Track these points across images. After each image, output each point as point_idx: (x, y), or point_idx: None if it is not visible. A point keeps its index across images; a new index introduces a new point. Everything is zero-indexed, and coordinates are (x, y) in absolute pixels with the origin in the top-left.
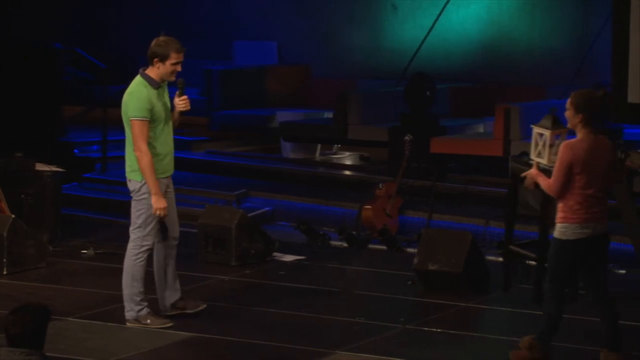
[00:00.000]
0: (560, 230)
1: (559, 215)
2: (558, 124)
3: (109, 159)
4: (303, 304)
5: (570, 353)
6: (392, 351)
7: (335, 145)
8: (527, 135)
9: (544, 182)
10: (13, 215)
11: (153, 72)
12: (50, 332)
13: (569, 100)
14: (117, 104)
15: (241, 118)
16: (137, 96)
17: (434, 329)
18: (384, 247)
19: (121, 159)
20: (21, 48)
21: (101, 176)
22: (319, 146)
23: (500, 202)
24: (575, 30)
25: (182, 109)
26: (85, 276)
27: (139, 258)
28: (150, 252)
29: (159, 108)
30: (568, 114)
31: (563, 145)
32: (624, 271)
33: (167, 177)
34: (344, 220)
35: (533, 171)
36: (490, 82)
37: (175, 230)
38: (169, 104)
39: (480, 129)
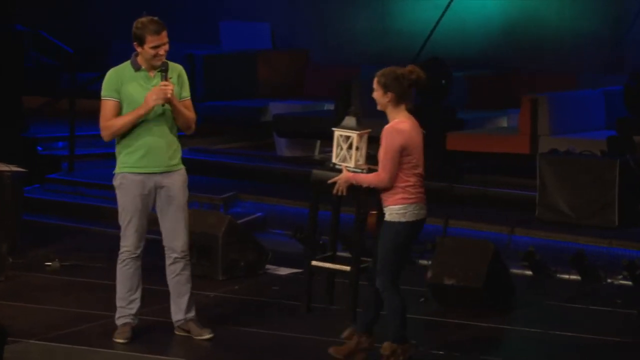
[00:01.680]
0: (398, 212)
1: (394, 197)
2: (362, 125)
3: (77, 157)
4: (300, 324)
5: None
6: None
7: None
8: (558, 129)
9: (369, 178)
10: None
11: (140, 55)
12: (7, 356)
13: (375, 80)
14: (87, 94)
15: (229, 110)
16: (107, 75)
17: (452, 352)
18: None
19: (92, 158)
20: None
21: (68, 177)
22: (318, 143)
23: (527, 206)
24: (612, 11)
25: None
26: (50, 292)
27: (119, 261)
28: (133, 257)
29: (134, 92)
30: (376, 94)
31: (389, 131)
32: None
33: (145, 174)
34: (346, 227)
35: (345, 175)
36: (514, 70)
37: (174, 240)
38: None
39: (504, 122)
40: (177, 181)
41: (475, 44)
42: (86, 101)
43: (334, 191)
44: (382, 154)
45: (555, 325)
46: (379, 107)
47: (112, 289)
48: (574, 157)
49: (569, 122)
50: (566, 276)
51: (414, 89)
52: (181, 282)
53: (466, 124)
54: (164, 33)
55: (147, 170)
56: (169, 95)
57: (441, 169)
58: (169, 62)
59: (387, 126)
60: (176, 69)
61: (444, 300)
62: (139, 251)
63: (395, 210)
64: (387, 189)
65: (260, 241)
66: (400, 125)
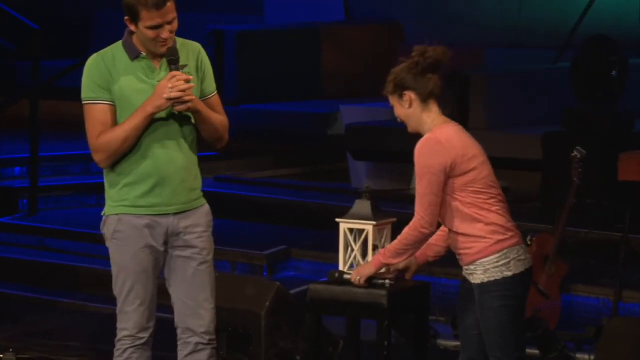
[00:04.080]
0: (498, 265)
1: (482, 244)
2: (381, 212)
3: (42, 190)
4: None
5: None
6: None
7: None
8: None
9: (401, 240)
10: None
11: (136, 35)
12: None
13: (385, 92)
14: (56, 92)
15: (275, 117)
16: (87, 64)
17: None
18: (536, 351)
19: (65, 191)
20: None
21: (28, 222)
22: None
23: None
24: None
25: (171, 97)
26: None
27: (116, 352)
28: (137, 346)
29: (131, 93)
30: (397, 110)
31: (420, 145)
32: None
33: (153, 216)
34: (445, 300)
35: (365, 266)
36: None
37: (193, 317)
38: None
39: None
40: (200, 224)
41: None
42: (56, 104)
43: (353, 279)
44: (421, 183)
45: None
46: (410, 130)
47: None
48: None
49: None
50: None
51: (444, 84)
52: None
53: None
54: (170, 5)
55: (157, 211)
56: (182, 95)
57: (610, 211)
58: (180, 39)
59: (421, 140)
60: (192, 51)
61: None
62: (146, 336)
63: (491, 263)
64: (461, 236)
65: (324, 322)
66: (437, 133)
